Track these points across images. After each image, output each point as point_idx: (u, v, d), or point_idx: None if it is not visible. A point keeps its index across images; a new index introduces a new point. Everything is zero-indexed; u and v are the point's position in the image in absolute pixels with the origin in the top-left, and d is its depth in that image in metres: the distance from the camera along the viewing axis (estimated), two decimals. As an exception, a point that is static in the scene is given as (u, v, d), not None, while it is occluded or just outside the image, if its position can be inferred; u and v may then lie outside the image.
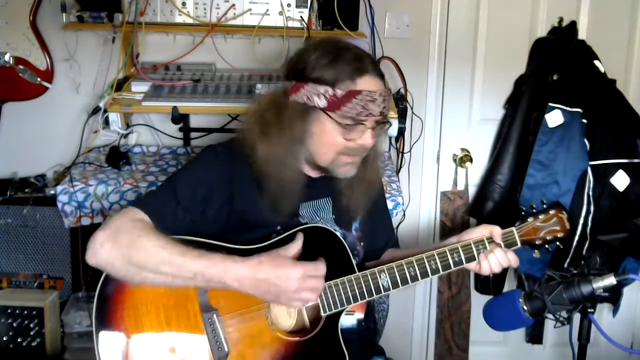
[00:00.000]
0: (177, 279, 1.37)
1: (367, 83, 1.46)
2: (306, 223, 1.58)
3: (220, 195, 1.51)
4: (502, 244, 1.55)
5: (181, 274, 1.36)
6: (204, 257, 1.37)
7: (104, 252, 1.36)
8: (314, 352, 1.50)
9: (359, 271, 1.52)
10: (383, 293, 1.51)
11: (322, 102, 1.46)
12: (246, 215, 1.54)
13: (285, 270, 1.39)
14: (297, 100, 1.49)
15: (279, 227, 1.55)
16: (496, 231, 1.56)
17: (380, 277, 1.51)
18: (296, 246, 1.46)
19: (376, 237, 1.76)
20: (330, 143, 1.50)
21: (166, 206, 1.46)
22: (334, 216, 1.65)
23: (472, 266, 1.57)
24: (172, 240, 1.38)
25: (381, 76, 1.52)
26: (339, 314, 1.52)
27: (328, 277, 1.50)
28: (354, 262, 1.55)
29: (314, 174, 1.61)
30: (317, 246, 1.53)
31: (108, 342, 1.41)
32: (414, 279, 1.52)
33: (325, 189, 1.63)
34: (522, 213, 1.60)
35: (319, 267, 1.43)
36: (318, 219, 1.62)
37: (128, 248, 1.35)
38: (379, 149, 1.65)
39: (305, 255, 1.52)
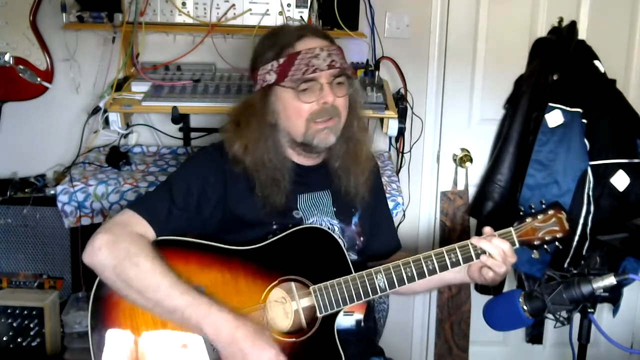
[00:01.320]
0: (158, 307, 1.37)
1: (306, 44, 1.52)
2: (301, 219, 1.59)
3: (215, 193, 1.53)
4: (495, 234, 1.54)
5: (163, 304, 1.36)
6: (192, 295, 1.37)
7: (100, 256, 1.37)
8: (310, 352, 1.50)
9: (360, 270, 1.52)
10: (379, 294, 1.51)
11: (272, 78, 1.53)
12: (241, 213, 1.55)
13: (263, 343, 1.37)
14: (257, 88, 1.57)
15: (274, 226, 1.56)
16: (487, 229, 1.55)
17: (376, 277, 1.51)
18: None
19: (377, 235, 1.76)
20: (294, 112, 1.53)
21: (162, 207, 1.47)
22: (334, 209, 1.65)
23: (475, 276, 1.56)
24: (166, 268, 1.38)
25: (325, 37, 1.57)
26: (335, 314, 1.51)
27: (324, 277, 1.50)
28: (350, 262, 1.55)
29: (305, 160, 1.62)
30: (313, 246, 1.54)
31: (103, 342, 1.41)
32: (411, 279, 1.51)
33: (323, 181, 1.64)
34: (521, 213, 1.59)
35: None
36: (316, 211, 1.62)
37: (122, 262, 1.36)
38: (359, 115, 1.65)
39: (302, 256, 1.52)
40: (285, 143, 1.59)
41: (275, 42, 1.55)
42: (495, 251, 1.50)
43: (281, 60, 1.51)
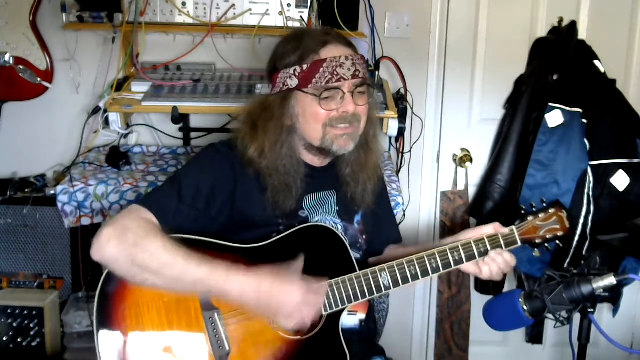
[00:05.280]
0: (178, 283, 1.37)
1: (331, 51, 1.51)
2: (306, 217, 1.59)
3: (223, 191, 1.52)
4: (506, 231, 1.56)
5: (183, 279, 1.36)
6: (208, 263, 1.36)
7: (110, 248, 1.35)
8: (315, 351, 1.50)
9: (361, 268, 1.53)
10: (384, 292, 1.52)
11: (294, 82, 1.52)
12: (249, 212, 1.55)
13: (290, 284, 1.38)
14: (276, 90, 1.56)
15: (281, 227, 1.56)
16: (497, 225, 1.57)
17: (380, 275, 1.51)
18: (299, 264, 1.46)
19: (379, 231, 1.77)
20: (313, 118, 1.52)
21: (170, 204, 1.46)
22: (337, 208, 1.65)
23: (471, 270, 1.58)
24: (177, 244, 1.37)
25: (349, 45, 1.56)
26: (339, 312, 1.52)
27: (329, 275, 1.50)
28: (354, 260, 1.56)
29: (316, 162, 1.63)
30: (318, 244, 1.54)
31: (109, 341, 1.41)
32: (415, 277, 1.52)
33: (330, 181, 1.65)
34: (522, 212, 1.61)
35: (322, 286, 1.45)
36: (321, 210, 1.63)
37: (133, 247, 1.35)
38: (374, 124, 1.66)
39: (306, 254, 1.52)
40: (301, 146, 1.60)
41: (298, 46, 1.53)
42: (507, 268, 1.55)
43: (305, 66, 1.50)
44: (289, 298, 1.38)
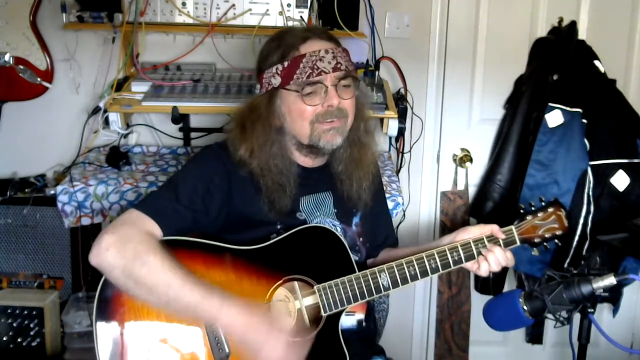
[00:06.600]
0: (170, 304, 1.36)
1: (310, 46, 1.51)
2: (304, 220, 1.59)
3: (220, 191, 1.53)
4: (504, 237, 1.57)
5: (175, 301, 1.35)
6: (203, 288, 1.36)
7: (108, 257, 1.35)
8: (314, 352, 1.50)
9: (360, 270, 1.53)
10: (383, 292, 1.52)
11: (277, 81, 1.52)
12: (246, 213, 1.55)
13: (277, 330, 1.38)
14: (262, 91, 1.56)
15: (279, 226, 1.56)
16: (496, 228, 1.58)
17: (380, 276, 1.51)
18: (289, 322, 1.45)
19: (376, 234, 1.77)
20: (299, 115, 1.52)
21: (168, 206, 1.47)
22: (335, 210, 1.65)
23: (469, 266, 1.58)
24: (176, 264, 1.37)
25: (330, 39, 1.56)
26: (339, 314, 1.52)
27: (328, 277, 1.50)
28: (354, 261, 1.55)
29: (309, 162, 1.63)
30: (317, 246, 1.54)
31: (108, 343, 1.40)
32: (414, 278, 1.52)
33: (325, 182, 1.65)
34: (521, 211, 1.61)
35: (304, 345, 1.44)
36: (319, 213, 1.63)
37: (131, 261, 1.35)
38: (365, 118, 1.65)
39: (305, 255, 1.52)
40: (292, 146, 1.59)
41: (280, 44, 1.54)
42: (504, 262, 1.55)
43: (286, 64, 1.51)
44: (274, 344, 1.36)
